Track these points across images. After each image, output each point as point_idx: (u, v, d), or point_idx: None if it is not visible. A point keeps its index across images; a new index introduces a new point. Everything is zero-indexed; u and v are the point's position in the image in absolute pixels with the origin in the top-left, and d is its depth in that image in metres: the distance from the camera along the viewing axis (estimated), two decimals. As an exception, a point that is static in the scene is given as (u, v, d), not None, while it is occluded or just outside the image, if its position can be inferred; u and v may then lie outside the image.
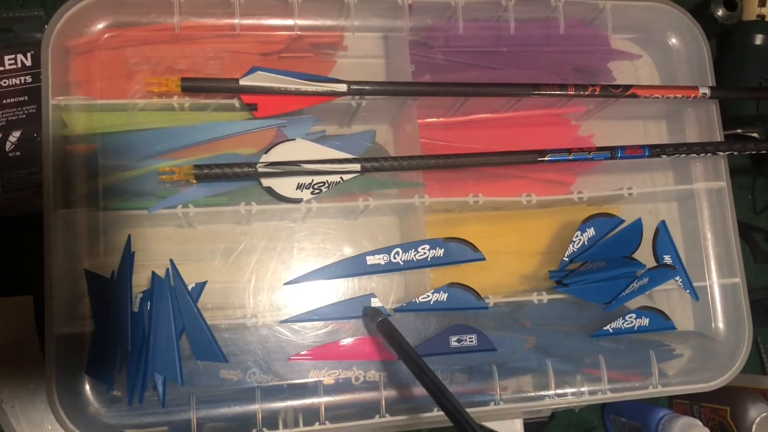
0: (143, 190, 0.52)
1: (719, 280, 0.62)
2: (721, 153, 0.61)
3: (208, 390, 0.51)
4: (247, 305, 0.54)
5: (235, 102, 0.53)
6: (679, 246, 0.63)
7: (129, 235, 0.52)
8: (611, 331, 0.58)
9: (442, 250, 0.55)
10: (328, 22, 0.57)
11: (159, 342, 0.50)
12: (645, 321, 0.59)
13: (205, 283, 0.53)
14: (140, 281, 0.51)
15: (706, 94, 0.61)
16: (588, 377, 0.58)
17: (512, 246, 0.61)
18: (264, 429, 0.51)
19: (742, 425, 0.66)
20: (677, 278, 0.61)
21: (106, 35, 0.53)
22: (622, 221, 0.61)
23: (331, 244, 0.56)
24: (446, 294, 0.55)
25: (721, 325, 0.62)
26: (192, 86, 0.52)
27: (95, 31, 0.53)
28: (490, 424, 0.62)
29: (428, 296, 0.55)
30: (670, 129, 0.67)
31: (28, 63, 0.61)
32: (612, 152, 0.59)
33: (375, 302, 0.54)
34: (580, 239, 0.60)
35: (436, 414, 0.54)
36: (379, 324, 0.50)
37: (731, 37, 0.77)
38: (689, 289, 0.61)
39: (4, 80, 0.61)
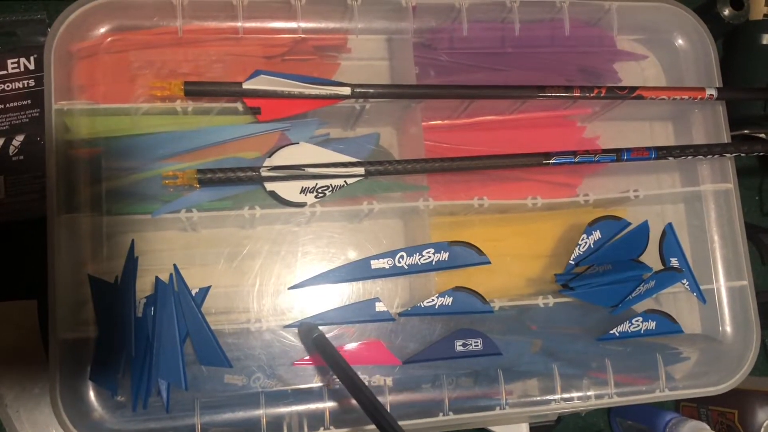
0: (147, 194, 0.52)
1: (726, 283, 0.62)
2: (728, 154, 0.61)
3: (213, 395, 0.51)
4: (252, 310, 0.54)
5: (239, 106, 0.53)
6: (686, 248, 0.63)
7: (132, 240, 0.52)
8: (618, 334, 0.58)
9: (447, 253, 0.55)
10: (331, 25, 0.57)
11: (163, 347, 0.50)
12: (652, 324, 0.59)
13: (209, 287, 0.53)
14: (144, 286, 0.51)
15: (712, 95, 0.61)
16: (594, 381, 0.57)
17: (518, 249, 0.61)
18: (268, 434, 0.51)
19: (751, 428, 0.65)
20: (684, 281, 0.60)
21: (109, 39, 0.53)
22: (629, 224, 0.60)
23: (336, 248, 0.56)
24: (451, 298, 0.55)
25: (728, 328, 0.62)
26: (195, 90, 0.52)
27: (98, 35, 0.52)
28: (496, 429, 0.61)
29: (433, 300, 0.54)
30: (676, 130, 0.67)
31: (31, 66, 0.61)
32: (618, 154, 0.58)
33: (380, 306, 0.54)
34: (586, 242, 0.59)
35: (441, 419, 0.53)
36: (315, 340, 0.50)
37: (738, 37, 0.76)
38: (696, 291, 0.61)
39: (8, 84, 0.61)
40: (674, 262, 0.61)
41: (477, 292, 0.55)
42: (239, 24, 0.54)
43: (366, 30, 0.58)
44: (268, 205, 0.52)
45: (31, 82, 0.61)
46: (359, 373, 0.53)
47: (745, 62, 0.75)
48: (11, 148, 0.60)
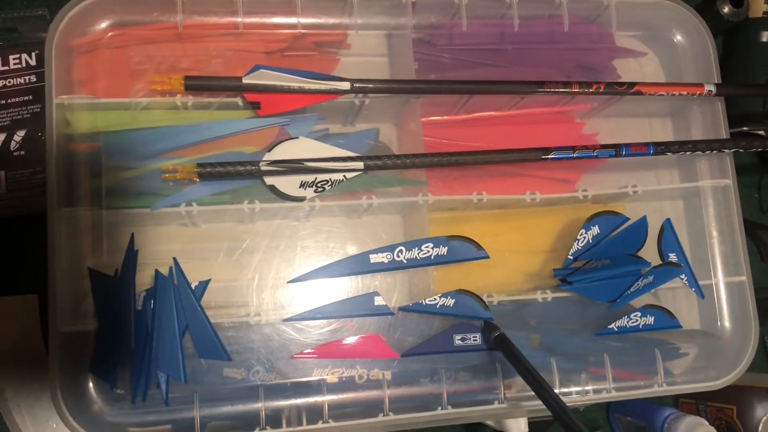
0: (146, 188, 0.52)
1: (725, 279, 0.62)
2: (726, 150, 0.61)
3: (212, 388, 0.51)
4: (251, 303, 0.54)
5: (239, 100, 0.53)
6: (685, 244, 0.63)
7: (132, 234, 0.52)
8: (616, 329, 0.58)
9: (446, 248, 0.55)
10: (331, 21, 0.57)
11: (162, 340, 0.50)
12: (650, 319, 0.59)
13: (208, 281, 0.53)
14: (144, 280, 0.51)
15: (711, 91, 0.61)
16: (593, 376, 0.57)
17: (516, 244, 0.61)
18: (267, 427, 0.51)
19: (749, 424, 0.65)
20: (683, 276, 0.60)
21: (110, 34, 0.53)
22: (627, 219, 0.60)
23: (335, 242, 0.56)
24: (453, 300, 0.55)
25: (727, 324, 0.62)
26: (195, 85, 0.52)
27: (98, 30, 0.53)
28: (492, 423, 0.61)
29: (435, 300, 0.55)
30: (675, 126, 0.67)
31: (33, 62, 0.61)
32: (617, 150, 0.58)
33: (379, 300, 0.54)
34: (584, 237, 0.59)
35: (439, 413, 0.53)
36: (495, 339, 0.52)
37: (737, 34, 0.76)
38: (695, 287, 0.61)
39: (9, 80, 0.61)
40: (673, 257, 0.61)
41: (480, 297, 0.55)
42: (239, 19, 0.54)
43: (365, 26, 0.58)
44: (268, 200, 0.53)
45: (33, 78, 0.61)
46: (357, 367, 0.53)
47: (745, 59, 0.75)
48: (12, 144, 0.60)
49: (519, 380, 0.57)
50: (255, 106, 0.53)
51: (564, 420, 0.42)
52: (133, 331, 0.50)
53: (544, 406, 0.57)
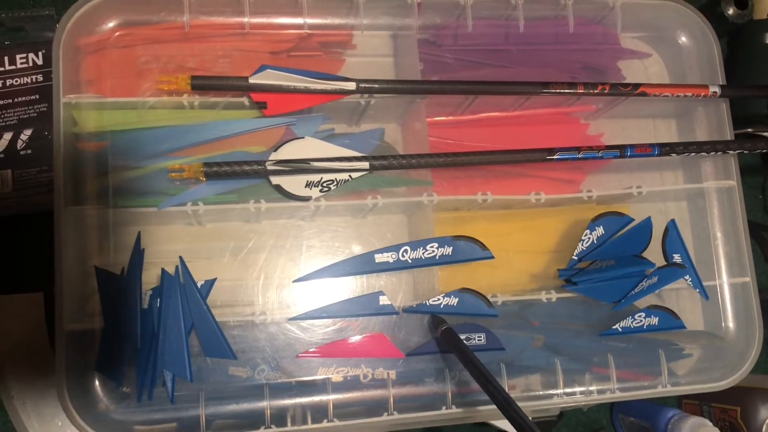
0: (153, 187, 0.52)
1: (729, 280, 0.62)
2: (731, 152, 0.61)
3: (217, 387, 0.51)
4: (256, 303, 0.54)
5: (245, 100, 0.53)
6: (689, 245, 0.63)
7: (139, 233, 0.52)
8: (620, 330, 0.58)
9: (451, 248, 0.55)
10: (337, 21, 0.57)
11: (168, 339, 0.50)
12: (654, 320, 0.59)
13: (214, 280, 0.53)
14: (150, 278, 0.52)
15: (716, 92, 0.61)
16: (597, 376, 0.57)
17: (521, 244, 0.61)
18: (272, 426, 0.51)
19: (753, 426, 0.65)
20: (687, 277, 0.60)
21: (117, 34, 0.53)
22: (632, 220, 0.61)
23: (340, 241, 0.56)
24: (457, 299, 0.55)
25: (731, 325, 0.62)
26: (202, 84, 0.52)
27: (106, 29, 0.53)
28: (497, 423, 0.62)
29: (439, 299, 0.55)
30: (680, 128, 0.67)
31: (40, 62, 0.62)
32: (621, 151, 0.58)
33: (383, 300, 0.54)
34: (589, 238, 0.60)
35: (444, 412, 0.54)
36: (443, 332, 0.51)
37: (742, 36, 0.76)
38: (699, 288, 0.61)
39: (16, 79, 0.61)
40: (677, 258, 0.61)
41: (483, 295, 0.55)
42: (246, 20, 0.54)
43: (371, 26, 0.58)
44: (274, 199, 0.53)
45: (39, 77, 0.61)
46: (362, 367, 0.53)
47: (749, 61, 0.75)
48: (19, 143, 0.60)
49: (523, 380, 0.57)
50: (261, 105, 0.53)
51: (513, 417, 0.42)
52: (139, 329, 0.50)
53: (548, 407, 0.58)
